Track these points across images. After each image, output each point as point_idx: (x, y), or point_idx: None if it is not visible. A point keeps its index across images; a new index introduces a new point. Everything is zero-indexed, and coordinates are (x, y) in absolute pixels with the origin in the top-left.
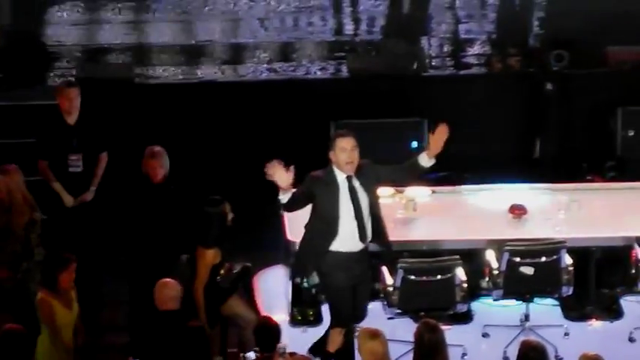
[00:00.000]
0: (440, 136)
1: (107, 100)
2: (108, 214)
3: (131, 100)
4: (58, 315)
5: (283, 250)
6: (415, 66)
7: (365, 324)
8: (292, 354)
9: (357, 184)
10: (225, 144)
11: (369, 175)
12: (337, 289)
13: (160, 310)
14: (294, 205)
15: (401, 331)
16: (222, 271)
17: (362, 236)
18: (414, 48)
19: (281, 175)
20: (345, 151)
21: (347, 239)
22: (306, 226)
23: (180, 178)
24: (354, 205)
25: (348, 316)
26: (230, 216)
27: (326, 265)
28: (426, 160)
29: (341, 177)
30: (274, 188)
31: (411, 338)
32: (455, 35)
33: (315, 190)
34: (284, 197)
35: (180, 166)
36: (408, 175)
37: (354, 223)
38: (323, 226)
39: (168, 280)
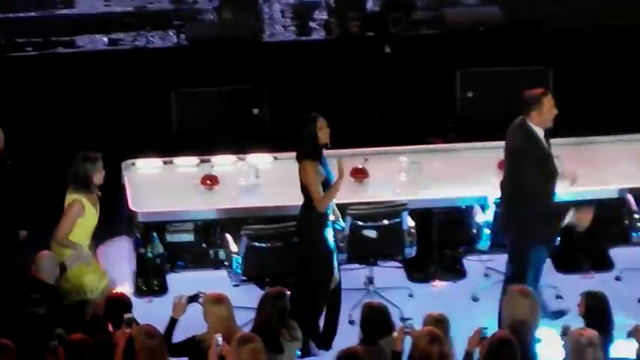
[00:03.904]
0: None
1: None
2: None
3: None
4: None
5: (126, 221)
6: (252, 32)
7: (210, 292)
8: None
9: None
10: (65, 116)
11: None
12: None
13: None
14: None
15: (246, 298)
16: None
17: None
18: (249, 14)
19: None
20: (553, 107)
21: None
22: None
23: (18, 154)
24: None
25: None
26: (324, 132)
27: None
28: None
29: (541, 133)
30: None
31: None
32: (295, 1)
33: (541, 152)
34: None
35: (20, 141)
36: None
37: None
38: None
39: None
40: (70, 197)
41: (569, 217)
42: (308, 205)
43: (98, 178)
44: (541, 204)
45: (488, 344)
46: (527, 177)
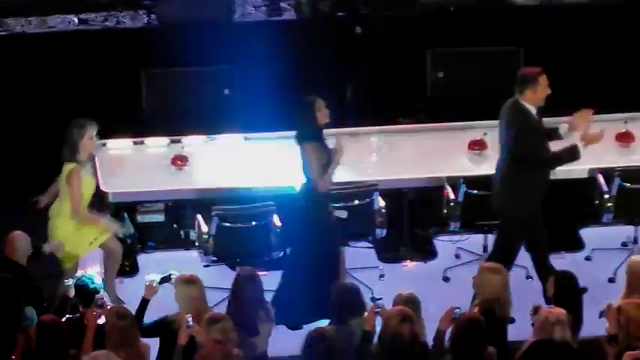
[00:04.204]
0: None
1: None
2: None
3: None
4: None
5: (97, 201)
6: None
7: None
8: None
9: None
10: (35, 96)
11: None
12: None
13: None
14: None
15: (217, 278)
16: None
17: None
18: None
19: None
20: (547, 87)
21: None
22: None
23: None
24: None
25: None
26: (323, 112)
27: None
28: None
29: (534, 111)
30: None
31: (228, 285)
32: None
33: (539, 126)
34: None
35: None
36: None
37: None
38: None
39: None
40: (67, 168)
41: (581, 148)
42: (310, 186)
43: (87, 145)
44: (543, 172)
45: (457, 324)
46: (527, 150)
